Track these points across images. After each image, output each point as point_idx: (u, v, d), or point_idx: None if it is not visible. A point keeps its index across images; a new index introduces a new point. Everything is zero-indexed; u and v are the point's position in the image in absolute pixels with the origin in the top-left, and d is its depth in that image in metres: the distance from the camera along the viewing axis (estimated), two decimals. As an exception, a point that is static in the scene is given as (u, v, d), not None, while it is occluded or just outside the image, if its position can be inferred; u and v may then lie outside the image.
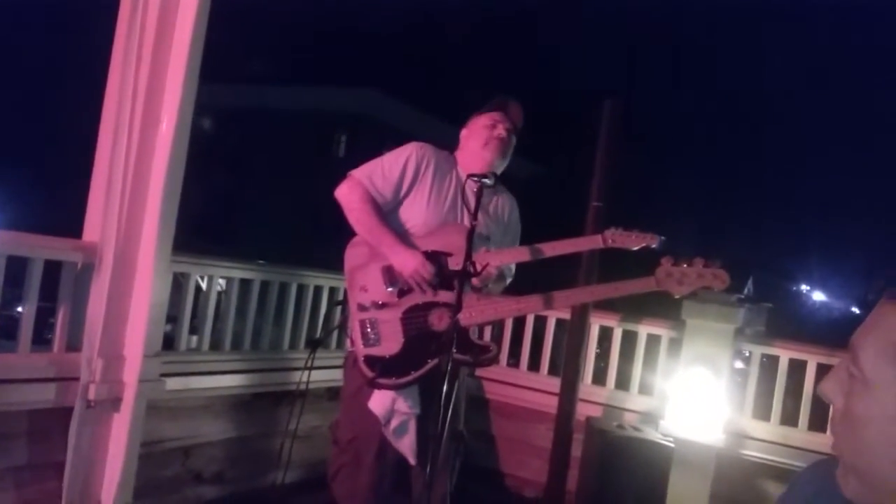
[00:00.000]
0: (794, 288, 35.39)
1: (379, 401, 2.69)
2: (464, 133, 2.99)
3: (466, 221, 2.79)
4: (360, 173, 2.81)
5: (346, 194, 2.79)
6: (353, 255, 2.80)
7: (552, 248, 2.77)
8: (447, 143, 3.03)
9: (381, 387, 2.66)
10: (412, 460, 2.72)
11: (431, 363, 2.60)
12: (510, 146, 2.95)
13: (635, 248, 2.67)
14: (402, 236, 2.76)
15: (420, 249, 2.71)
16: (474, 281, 2.73)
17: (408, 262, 2.67)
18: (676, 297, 2.64)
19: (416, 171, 2.82)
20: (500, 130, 2.90)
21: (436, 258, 2.69)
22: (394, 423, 2.69)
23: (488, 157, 2.86)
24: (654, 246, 2.65)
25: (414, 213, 2.80)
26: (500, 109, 2.95)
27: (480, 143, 2.89)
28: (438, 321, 2.64)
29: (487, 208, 2.90)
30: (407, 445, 2.71)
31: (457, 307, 2.37)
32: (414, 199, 2.82)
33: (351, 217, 2.78)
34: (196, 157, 3.96)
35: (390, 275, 2.71)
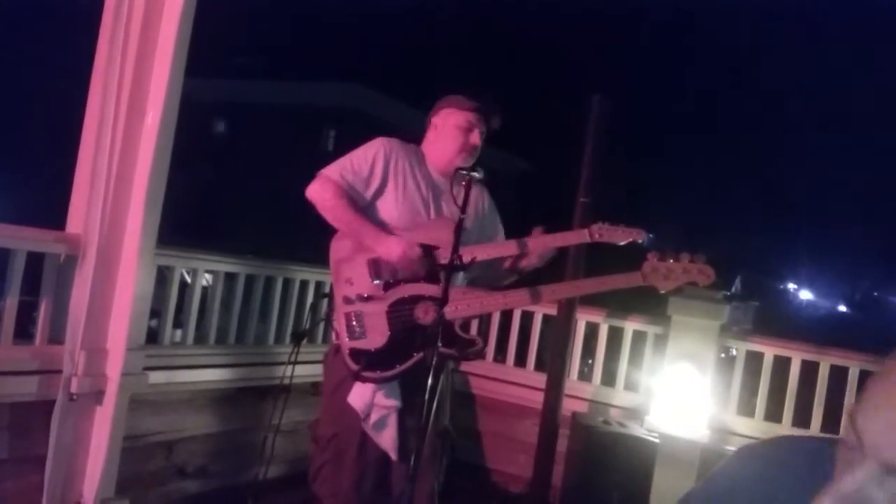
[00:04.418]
0: (782, 286, 35.62)
1: (358, 395, 2.67)
2: (435, 121, 2.89)
3: (446, 213, 2.78)
4: (329, 171, 2.76)
5: (319, 192, 2.72)
6: (338, 247, 2.78)
7: (539, 243, 2.76)
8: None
9: (366, 380, 2.64)
10: (394, 455, 2.70)
11: (417, 356, 2.59)
12: (479, 150, 2.88)
13: (622, 243, 2.67)
14: (383, 228, 2.74)
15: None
16: (524, 263, 2.74)
17: (394, 249, 2.65)
18: (662, 291, 2.64)
19: (385, 168, 2.78)
20: (476, 139, 2.83)
21: (425, 249, 2.67)
22: (374, 417, 2.67)
23: (459, 164, 2.73)
24: (640, 241, 2.66)
25: (386, 210, 2.77)
26: (480, 113, 2.84)
27: (454, 147, 2.81)
28: (424, 315, 2.63)
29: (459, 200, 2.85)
30: (388, 440, 2.69)
31: (443, 301, 2.35)
32: (385, 195, 2.78)
33: (327, 214, 2.72)
34: (183, 151, 3.94)
35: (376, 267, 2.70)
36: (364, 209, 2.76)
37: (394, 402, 2.66)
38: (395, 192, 2.78)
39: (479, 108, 2.83)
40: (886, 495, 0.75)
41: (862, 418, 0.78)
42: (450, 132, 2.84)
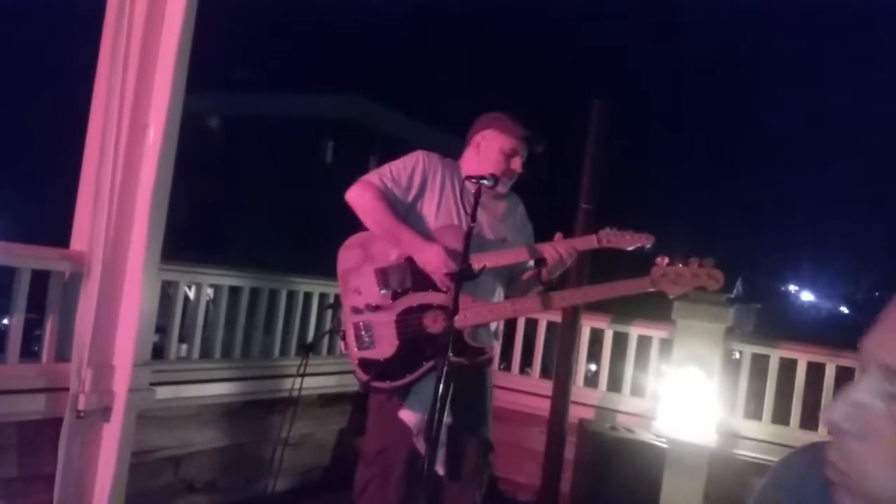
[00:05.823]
0: (783, 288, 35.54)
1: (410, 410, 2.65)
2: (477, 140, 2.90)
3: (485, 224, 2.79)
4: (369, 176, 2.78)
5: (359, 195, 2.73)
6: (346, 257, 2.77)
7: (549, 248, 2.76)
8: (434, 149, 2.97)
9: (376, 390, 2.64)
10: (442, 472, 2.66)
11: (427, 366, 2.59)
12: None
13: (629, 248, 2.67)
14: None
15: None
16: (544, 274, 2.74)
17: (432, 258, 2.65)
18: (671, 297, 2.65)
19: (424, 180, 2.80)
20: (518, 165, 2.87)
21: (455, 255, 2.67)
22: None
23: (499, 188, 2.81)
24: (647, 245, 2.66)
25: (422, 221, 2.78)
26: (527, 142, 2.87)
27: (495, 170, 2.79)
28: (433, 323, 2.62)
29: (497, 212, 2.89)
30: (439, 456, 2.66)
31: (453, 310, 2.35)
32: (422, 206, 2.79)
33: (366, 217, 2.73)
34: (184, 165, 3.94)
35: (384, 277, 2.70)
36: (402, 217, 2.76)
37: (446, 419, 2.64)
38: (431, 203, 2.79)
39: (529, 139, 2.86)
40: (885, 402, 0.77)
41: (865, 339, 0.83)
42: (493, 155, 2.85)
